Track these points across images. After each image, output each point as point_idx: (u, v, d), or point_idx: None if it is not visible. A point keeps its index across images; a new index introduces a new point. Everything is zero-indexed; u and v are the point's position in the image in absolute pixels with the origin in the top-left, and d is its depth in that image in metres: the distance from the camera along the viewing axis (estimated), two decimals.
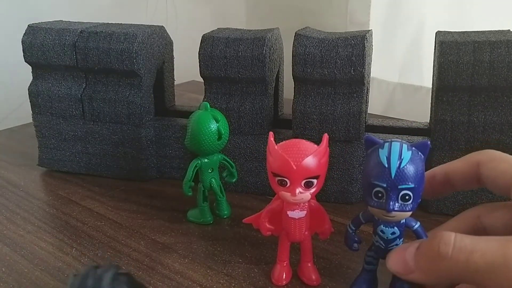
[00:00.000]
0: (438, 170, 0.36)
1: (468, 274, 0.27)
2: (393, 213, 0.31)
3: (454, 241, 0.28)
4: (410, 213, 0.32)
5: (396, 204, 0.31)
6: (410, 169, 0.31)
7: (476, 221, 0.34)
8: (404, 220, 0.33)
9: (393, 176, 0.31)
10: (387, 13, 0.79)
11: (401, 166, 0.31)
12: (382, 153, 0.31)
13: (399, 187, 0.31)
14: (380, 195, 0.32)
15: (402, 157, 0.31)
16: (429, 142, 0.32)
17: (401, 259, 0.31)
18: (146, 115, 0.55)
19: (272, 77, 0.52)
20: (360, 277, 0.37)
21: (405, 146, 0.31)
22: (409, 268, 0.30)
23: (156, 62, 0.56)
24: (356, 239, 0.36)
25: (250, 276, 0.40)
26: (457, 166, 0.35)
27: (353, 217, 0.36)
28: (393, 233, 0.33)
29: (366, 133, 0.50)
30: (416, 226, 0.34)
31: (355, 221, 0.36)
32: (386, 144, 0.32)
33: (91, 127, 0.57)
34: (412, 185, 0.31)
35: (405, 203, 0.31)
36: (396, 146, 0.31)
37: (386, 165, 0.31)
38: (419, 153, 0.32)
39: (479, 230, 0.33)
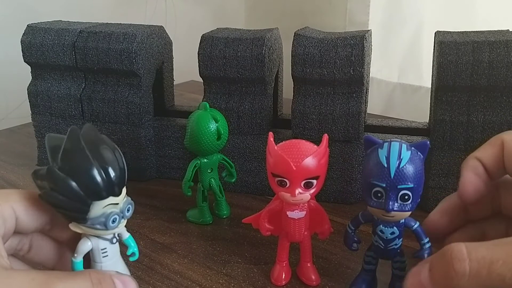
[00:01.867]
0: (473, 161, 0.32)
1: (493, 285, 0.25)
2: (393, 213, 0.32)
3: (468, 254, 0.25)
4: (409, 213, 0.32)
5: (396, 204, 0.31)
6: (410, 169, 0.31)
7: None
8: (403, 220, 0.33)
9: (392, 176, 0.31)
10: (386, 13, 0.79)
11: (401, 166, 0.31)
12: (382, 153, 0.31)
13: (399, 187, 0.31)
14: (379, 195, 0.32)
15: (401, 157, 0.31)
16: (428, 142, 0.32)
17: (418, 283, 0.29)
18: (146, 115, 0.55)
19: (271, 77, 0.52)
20: (360, 277, 0.37)
21: (404, 146, 0.31)
22: None
23: (155, 62, 0.56)
24: (355, 239, 0.36)
25: (249, 276, 0.40)
26: (485, 150, 0.32)
27: (352, 217, 0.36)
28: (393, 233, 0.33)
29: (366, 133, 0.50)
30: (416, 226, 0.34)
31: (355, 221, 0.36)
32: (386, 144, 0.32)
33: None
34: (412, 185, 0.31)
35: (404, 203, 0.31)
36: (395, 146, 0.31)
37: (386, 165, 0.31)
38: (419, 153, 0.32)
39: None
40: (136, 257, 0.34)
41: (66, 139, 0.29)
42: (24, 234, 0.31)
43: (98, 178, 0.28)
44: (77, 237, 0.32)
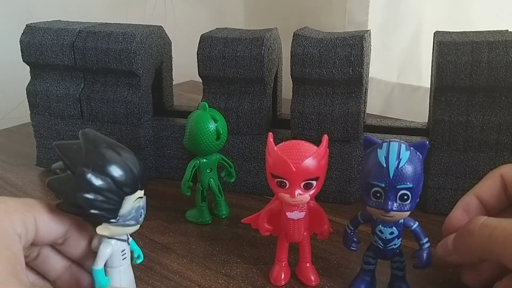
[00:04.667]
0: (468, 197, 0.37)
1: (490, 246, 0.30)
2: (392, 213, 0.32)
3: (482, 221, 0.31)
4: (408, 213, 0.32)
5: (395, 204, 0.31)
6: (409, 169, 0.31)
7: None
8: (402, 220, 0.33)
9: (391, 176, 0.31)
10: (385, 13, 0.79)
11: (400, 166, 0.31)
12: (381, 153, 0.31)
13: (398, 187, 0.31)
14: (378, 195, 0.32)
15: (400, 157, 0.31)
16: (427, 142, 0.32)
17: (444, 243, 0.35)
18: (145, 115, 0.55)
19: (270, 77, 0.52)
20: (359, 277, 0.37)
21: (403, 146, 0.31)
22: (448, 251, 0.34)
23: (155, 62, 0.56)
24: (354, 239, 0.36)
25: (248, 276, 0.40)
26: (484, 184, 0.36)
27: (351, 217, 0.36)
28: (392, 233, 0.33)
29: (365, 133, 0.50)
30: (415, 226, 0.34)
31: (354, 221, 0.36)
32: (385, 144, 0.32)
33: (89, 127, 0.57)
34: (411, 185, 0.31)
35: (403, 203, 0.32)
36: (394, 146, 0.31)
37: (385, 165, 0.31)
38: (418, 153, 0.32)
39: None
40: (142, 259, 0.34)
41: (84, 141, 0.29)
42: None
43: (130, 172, 0.29)
44: (86, 254, 0.31)
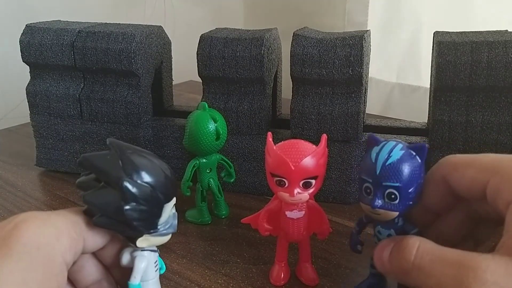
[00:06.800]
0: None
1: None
2: (378, 210, 0.31)
3: (415, 256, 0.28)
4: (396, 213, 0.31)
5: (380, 201, 0.31)
6: (398, 167, 0.30)
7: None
8: (401, 223, 0.33)
9: (378, 172, 0.30)
10: (385, 13, 0.79)
11: (387, 163, 0.30)
12: (374, 150, 0.31)
13: (383, 184, 0.30)
14: (368, 191, 0.31)
15: (391, 155, 0.30)
16: (426, 145, 0.31)
17: (380, 257, 0.31)
18: (144, 115, 0.55)
19: (270, 77, 0.52)
20: (366, 280, 0.36)
21: (399, 145, 0.31)
22: (386, 268, 0.31)
23: (154, 62, 0.56)
24: (359, 240, 0.36)
25: (248, 276, 0.40)
26: (426, 190, 0.32)
27: (351, 217, 0.36)
28: (389, 235, 0.33)
29: (364, 133, 0.50)
30: (414, 231, 0.32)
31: (359, 221, 0.36)
32: (383, 143, 0.32)
33: (89, 127, 0.57)
34: (397, 184, 0.30)
35: (391, 202, 0.31)
36: (389, 145, 0.31)
37: (374, 161, 0.31)
38: (417, 156, 0.31)
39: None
40: (164, 269, 0.33)
41: (118, 151, 0.28)
42: None
43: (166, 179, 0.28)
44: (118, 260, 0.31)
